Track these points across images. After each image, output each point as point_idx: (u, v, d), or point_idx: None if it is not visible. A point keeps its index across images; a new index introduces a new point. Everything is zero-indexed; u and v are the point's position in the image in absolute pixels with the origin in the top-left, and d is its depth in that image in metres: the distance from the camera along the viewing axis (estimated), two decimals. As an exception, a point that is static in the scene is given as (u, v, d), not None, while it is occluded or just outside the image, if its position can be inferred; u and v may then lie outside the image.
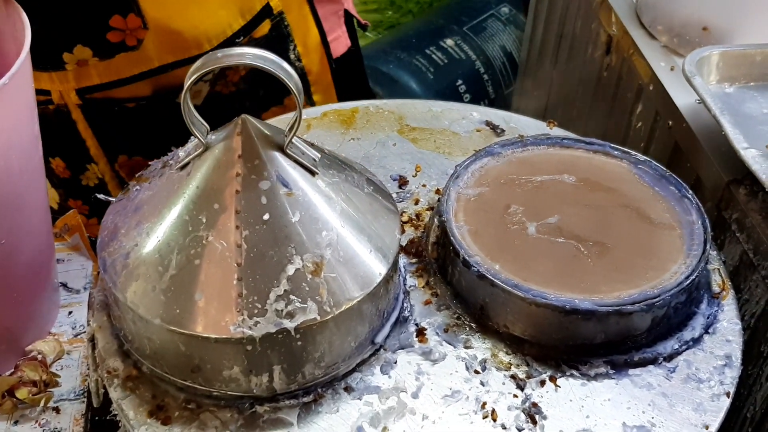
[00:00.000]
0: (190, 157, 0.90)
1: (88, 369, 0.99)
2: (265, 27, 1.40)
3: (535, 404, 0.91)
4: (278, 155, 0.89)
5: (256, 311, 0.85)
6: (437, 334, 0.98)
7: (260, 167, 0.88)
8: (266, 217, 0.87)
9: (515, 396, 0.92)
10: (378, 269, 0.91)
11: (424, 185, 1.15)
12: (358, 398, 0.91)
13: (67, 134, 1.40)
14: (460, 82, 2.36)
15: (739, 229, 1.12)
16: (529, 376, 0.94)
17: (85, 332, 1.21)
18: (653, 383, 0.94)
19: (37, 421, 1.11)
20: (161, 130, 1.17)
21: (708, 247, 0.99)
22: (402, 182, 1.15)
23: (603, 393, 0.93)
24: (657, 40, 1.40)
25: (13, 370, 1.13)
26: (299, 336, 0.86)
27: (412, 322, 0.99)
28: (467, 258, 0.97)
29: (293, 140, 0.89)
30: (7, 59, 1.10)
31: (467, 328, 0.98)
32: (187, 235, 0.87)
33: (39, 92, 1.20)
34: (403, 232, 1.08)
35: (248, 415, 0.89)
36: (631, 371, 0.94)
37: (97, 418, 1.13)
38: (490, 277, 0.95)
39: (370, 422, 0.89)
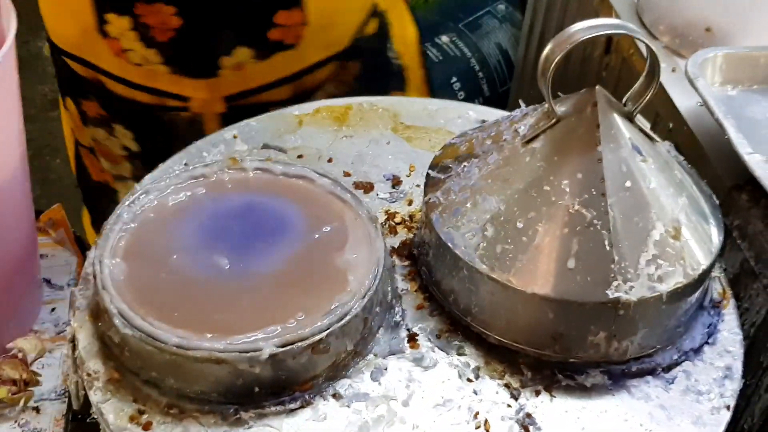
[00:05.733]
0: (539, 129, 0.92)
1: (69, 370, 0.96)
2: (373, 24, 1.41)
3: (529, 415, 0.88)
4: (629, 124, 0.92)
5: (629, 276, 0.86)
6: (429, 339, 0.95)
7: (617, 136, 0.91)
8: (628, 184, 0.89)
9: (509, 406, 0.89)
10: (717, 237, 0.93)
11: (418, 185, 1.12)
12: (347, 405, 0.89)
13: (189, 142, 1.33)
14: (454, 79, 2.33)
15: (740, 237, 1.09)
16: (523, 386, 0.91)
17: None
18: (651, 395, 0.91)
19: (16, 421, 1.09)
20: None
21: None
22: (395, 182, 1.12)
23: (600, 404, 0.90)
24: (658, 40, 1.37)
25: (-8, 368, 1.10)
26: (666, 300, 0.88)
27: (404, 326, 0.96)
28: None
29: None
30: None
31: (460, 334, 0.95)
32: (551, 205, 0.89)
33: (175, 97, 1.20)
34: (396, 233, 1.06)
35: (232, 421, 0.86)
36: (628, 382, 0.92)
37: (79, 416, 1.10)
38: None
39: (358, 431, 0.86)
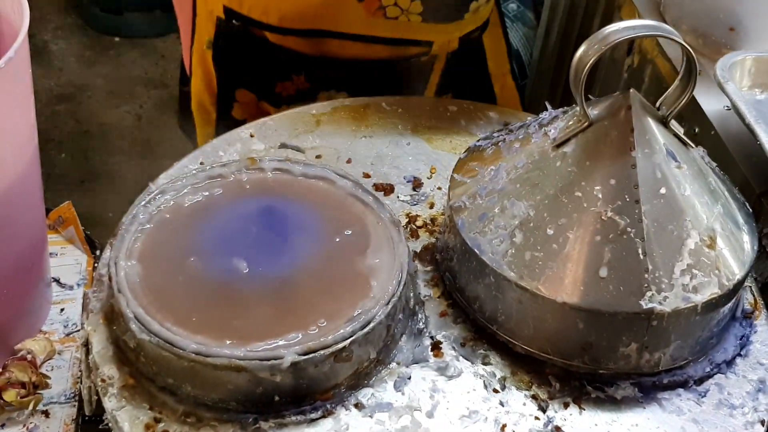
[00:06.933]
0: (571, 133, 0.90)
1: (81, 372, 0.94)
2: None
3: (558, 428, 0.86)
4: (663, 128, 0.90)
5: (663, 286, 0.84)
6: (453, 348, 0.92)
7: (652, 141, 0.89)
8: (663, 191, 0.87)
9: (537, 418, 0.87)
10: (751, 246, 0.90)
11: (439, 188, 1.09)
12: (369, 416, 0.86)
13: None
14: (466, 78, 2.31)
15: (770, 244, 1.06)
16: (551, 397, 0.88)
17: (77, 331, 1.16)
18: (683, 408, 0.88)
19: (25, 425, 1.06)
20: None
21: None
22: (416, 184, 1.10)
23: (630, 417, 0.87)
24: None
25: (0, 370, 1.07)
26: (701, 311, 0.86)
27: (427, 334, 0.93)
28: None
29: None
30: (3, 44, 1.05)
31: (486, 343, 0.93)
32: (583, 212, 0.87)
33: (421, 44, 1.33)
34: (417, 237, 1.03)
35: (252, 430, 0.84)
36: (659, 394, 0.89)
37: (88, 418, 1.07)
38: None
39: (381, 442, 0.84)
